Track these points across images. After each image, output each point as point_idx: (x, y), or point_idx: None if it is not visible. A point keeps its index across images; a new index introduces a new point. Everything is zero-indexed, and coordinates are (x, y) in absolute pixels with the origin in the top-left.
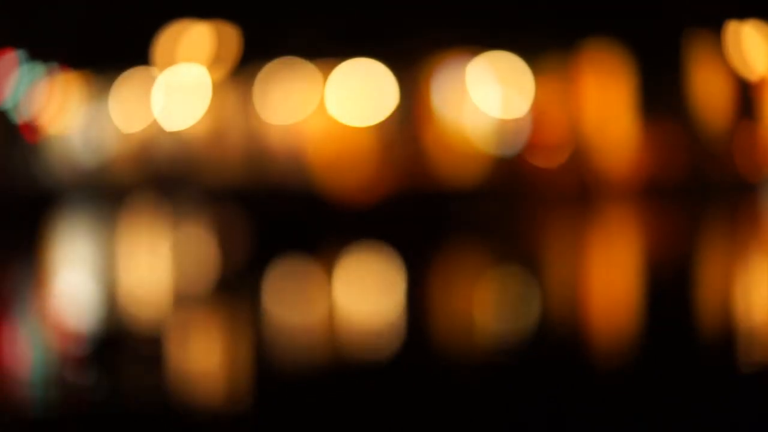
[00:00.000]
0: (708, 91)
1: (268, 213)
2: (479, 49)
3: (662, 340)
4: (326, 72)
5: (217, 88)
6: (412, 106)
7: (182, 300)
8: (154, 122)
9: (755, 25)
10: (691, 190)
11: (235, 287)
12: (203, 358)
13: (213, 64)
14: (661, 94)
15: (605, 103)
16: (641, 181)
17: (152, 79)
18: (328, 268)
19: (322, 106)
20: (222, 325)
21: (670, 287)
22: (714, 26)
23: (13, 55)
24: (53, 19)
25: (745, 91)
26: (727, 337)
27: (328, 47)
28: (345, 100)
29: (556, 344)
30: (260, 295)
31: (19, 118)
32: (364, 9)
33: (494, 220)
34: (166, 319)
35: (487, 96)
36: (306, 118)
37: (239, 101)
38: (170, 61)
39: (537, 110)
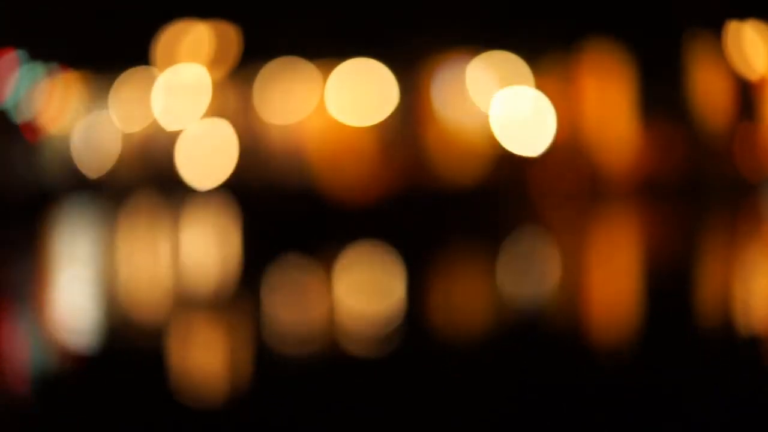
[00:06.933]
0: (708, 91)
1: (268, 212)
2: (479, 49)
3: (662, 339)
4: (326, 72)
5: (217, 88)
6: (412, 106)
7: (182, 299)
8: (154, 122)
9: (755, 25)
10: (691, 190)
11: (235, 287)
12: (204, 357)
13: (213, 64)
14: (661, 94)
15: (605, 103)
16: (641, 181)
17: (152, 79)
18: (328, 267)
19: (322, 106)
20: (222, 324)
21: (670, 287)
22: (714, 26)
23: (13, 55)
24: (53, 19)
25: (745, 91)
26: (727, 336)
27: (328, 47)
28: (345, 100)
29: (556, 343)
30: (260, 295)
31: (19, 118)
32: (365, 9)
33: (494, 220)
34: (166, 319)
35: (487, 96)
36: (306, 118)
37: (239, 101)
38: (170, 61)
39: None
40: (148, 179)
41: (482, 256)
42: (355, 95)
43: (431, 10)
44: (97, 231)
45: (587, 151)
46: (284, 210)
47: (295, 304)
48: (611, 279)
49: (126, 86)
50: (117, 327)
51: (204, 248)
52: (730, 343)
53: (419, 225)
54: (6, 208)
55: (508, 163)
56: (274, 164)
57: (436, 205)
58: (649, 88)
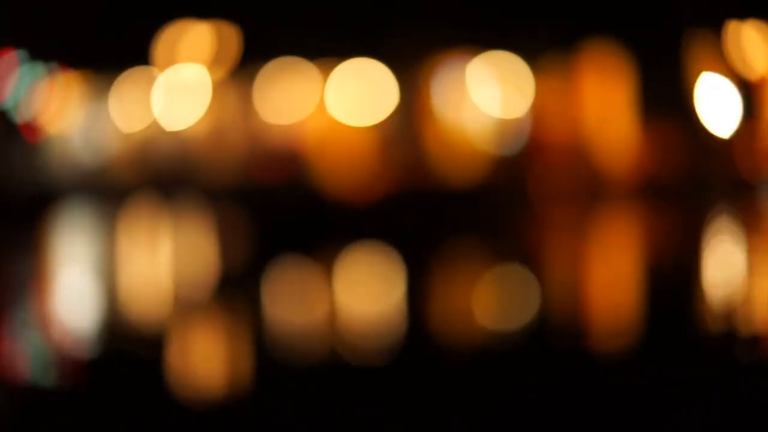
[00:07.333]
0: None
1: (267, 213)
2: (479, 49)
3: (663, 339)
4: (326, 72)
5: (217, 88)
6: (412, 106)
7: (182, 300)
8: (154, 122)
9: (755, 25)
10: (692, 190)
11: (235, 287)
12: (203, 357)
13: (213, 64)
14: (661, 94)
15: (605, 103)
16: (641, 181)
17: (152, 79)
18: (328, 268)
19: (322, 106)
20: (222, 325)
21: (670, 287)
22: (714, 26)
23: (13, 55)
24: (53, 19)
25: (745, 91)
26: (727, 336)
27: (328, 47)
28: (345, 100)
29: (556, 343)
30: (260, 295)
31: (19, 118)
32: (365, 9)
33: (494, 220)
34: (165, 319)
35: (487, 96)
36: (306, 118)
37: (239, 101)
38: (170, 61)
39: (537, 110)
40: (148, 179)
41: (482, 257)
42: (355, 95)
43: (431, 10)
44: (97, 231)
45: (587, 151)
46: (284, 210)
47: (295, 305)
48: (612, 279)
49: (126, 86)
50: (116, 328)
51: (203, 248)
52: (731, 343)
53: (419, 225)
54: (6, 208)
55: (507, 164)
56: (274, 164)
57: (436, 205)
58: (649, 88)
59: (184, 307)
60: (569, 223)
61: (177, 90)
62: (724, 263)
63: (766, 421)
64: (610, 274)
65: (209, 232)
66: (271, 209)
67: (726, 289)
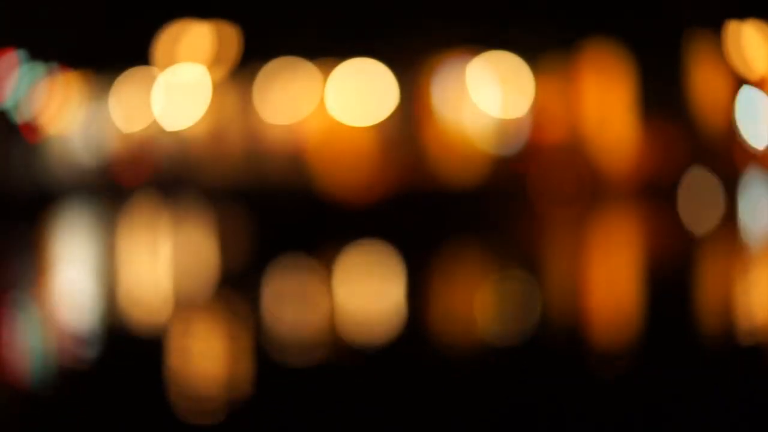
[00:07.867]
0: (708, 91)
1: (268, 213)
2: (479, 49)
3: (662, 339)
4: (326, 72)
5: (217, 88)
6: (412, 106)
7: (182, 299)
8: (154, 122)
9: (755, 25)
10: (691, 189)
11: (235, 287)
12: (203, 357)
13: (213, 64)
14: (661, 94)
15: (605, 103)
16: (641, 181)
17: (152, 79)
18: (328, 267)
19: (322, 106)
20: (222, 324)
21: (670, 287)
22: (714, 26)
23: (13, 55)
24: (53, 19)
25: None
26: (727, 337)
27: (328, 47)
28: (345, 100)
29: (555, 344)
30: (260, 295)
31: (19, 118)
32: (365, 9)
33: (494, 220)
34: (165, 319)
35: (487, 96)
36: (306, 118)
37: (239, 101)
38: (170, 61)
39: (537, 110)
40: (148, 179)
41: (482, 257)
42: (355, 95)
43: (431, 10)
44: (97, 231)
45: (587, 151)
46: (284, 210)
47: (295, 305)
48: (611, 279)
49: (126, 86)
50: (116, 327)
51: (203, 248)
52: (731, 344)
53: (419, 225)
54: (6, 208)
55: (507, 164)
56: (274, 164)
57: (436, 205)
58: (649, 88)
59: (185, 307)
60: (569, 223)
61: (177, 90)
62: (721, 262)
63: (766, 422)
64: (610, 274)
65: (209, 232)
66: (271, 209)
67: (726, 290)
